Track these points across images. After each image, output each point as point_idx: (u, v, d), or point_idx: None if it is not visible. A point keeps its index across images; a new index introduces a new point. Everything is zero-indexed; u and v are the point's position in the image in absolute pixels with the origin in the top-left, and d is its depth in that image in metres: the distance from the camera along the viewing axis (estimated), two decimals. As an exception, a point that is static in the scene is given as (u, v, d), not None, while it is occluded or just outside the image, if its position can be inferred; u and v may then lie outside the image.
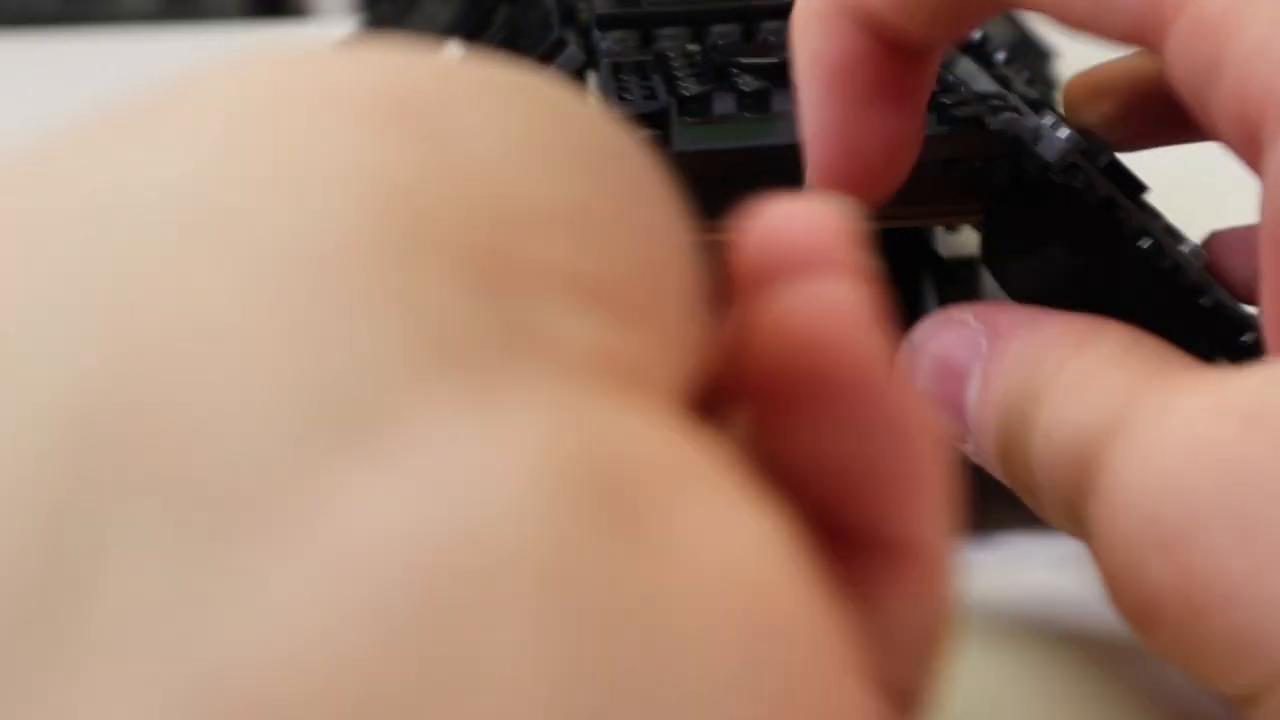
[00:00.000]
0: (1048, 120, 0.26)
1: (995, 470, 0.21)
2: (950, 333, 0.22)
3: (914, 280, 0.25)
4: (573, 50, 0.32)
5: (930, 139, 0.23)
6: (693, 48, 0.32)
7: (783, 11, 0.32)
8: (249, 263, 0.10)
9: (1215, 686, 0.17)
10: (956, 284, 0.26)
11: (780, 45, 0.30)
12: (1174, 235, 0.26)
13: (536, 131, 0.12)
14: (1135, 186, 0.25)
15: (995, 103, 0.26)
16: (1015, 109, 0.26)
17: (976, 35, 0.34)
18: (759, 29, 0.32)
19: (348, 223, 0.10)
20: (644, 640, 0.09)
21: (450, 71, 0.12)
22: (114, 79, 0.28)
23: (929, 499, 0.14)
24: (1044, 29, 0.49)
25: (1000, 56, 0.34)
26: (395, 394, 0.10)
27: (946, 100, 0.24)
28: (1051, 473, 0.19)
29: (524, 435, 0.10)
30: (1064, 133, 0.25)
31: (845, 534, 0.14)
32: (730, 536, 0.10)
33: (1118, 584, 0.17)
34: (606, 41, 0.33)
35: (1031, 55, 0.50)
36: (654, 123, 0.24)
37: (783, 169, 0.23)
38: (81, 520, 0.08)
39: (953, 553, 0.15)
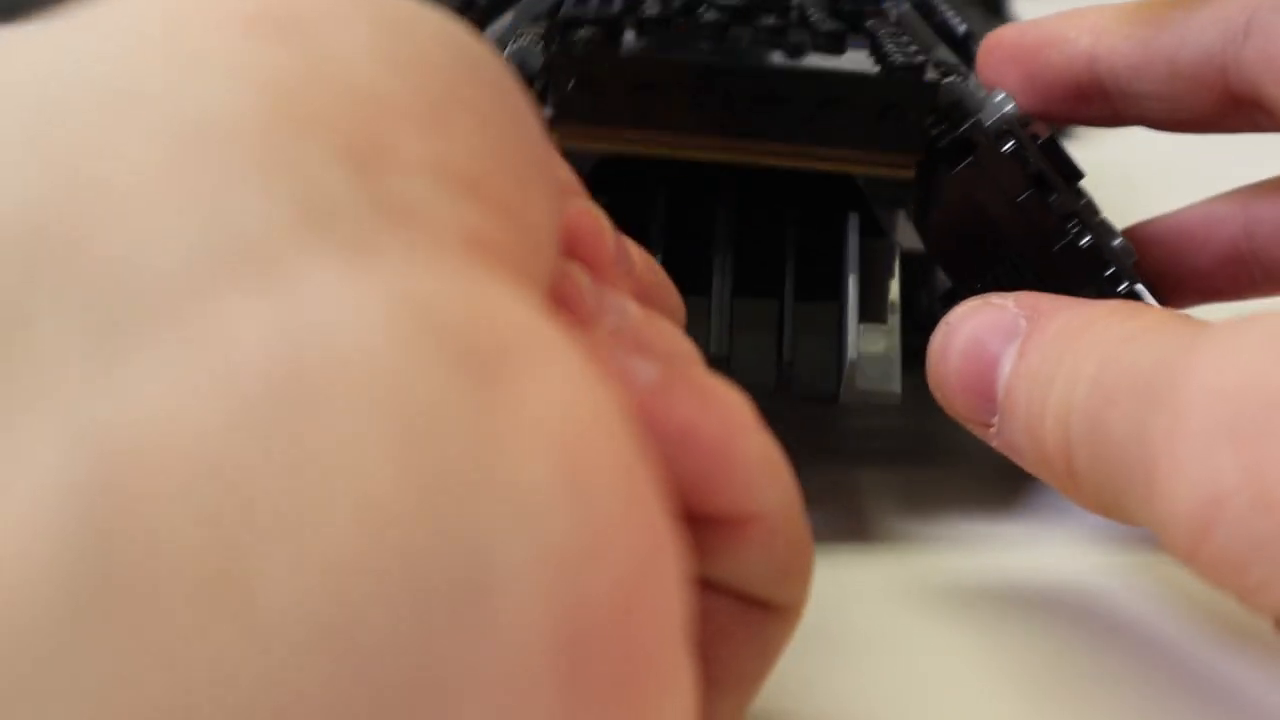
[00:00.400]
0: (998, 95, 0.26)
1: (1019, 450, 0.21)
2: (987, 314, 0.22)
3: (840, 222, 0.25)
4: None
5: (867, 79, 0.23)
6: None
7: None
8: (160, 131, 0.12)
9: (1266, 597, 0.17)
10: (881, 229, 0.26)
11: None
12: (1107, 228, 0.26)
13: (400, 45, 0.14)
14: (1071, 170, 0.25)
15: (947, 67, 0.26)
16: (965, 77, 0.26)
17: (961, 29, 0.34)
18: None
19: (243, 109, 0.13)
20: (470, 461, 0.11)
21: None
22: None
23: (744, 482, 0.16)
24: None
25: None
26: (279, 242, 0.12)
27: (890, 48, 0.24)
28: (1094, 420, 0.19)
29: (391, 286, 0.12)
30: (1009, 106, 0.25)
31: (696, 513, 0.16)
32: (570, 403, 0.12)
33: (1178, 490, 0.17)
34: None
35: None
36: (605, 26, 0.24)
37: (726, 86, 0.24)
38: (23, 301, 0.11)
39: (790, 505, 0.17)
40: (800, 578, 0.17)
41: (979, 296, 0.22)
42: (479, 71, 0.15)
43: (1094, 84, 0.26)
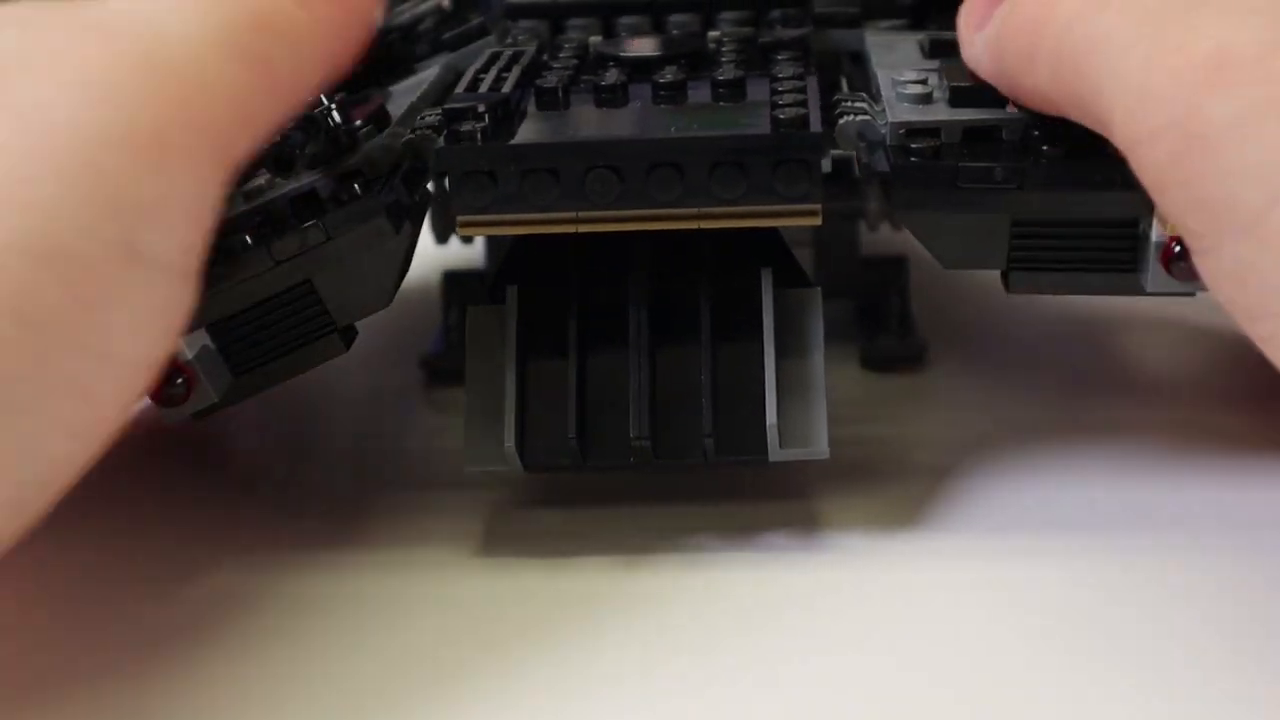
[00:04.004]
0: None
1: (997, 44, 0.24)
2: None
3: (753, 279, 0.25)
4: (488, 39, 0.32)
5: (753, 139, 0.23)
6: (596, 39, 0.31)
7: (691, 6, 0.32)
8: None
9: None
10: (797, 284, 0.25)
11: (686, 38, 0.30)
12: None
13: None
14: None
15: (849, 104, 0.26)
16: (867, 110, 0.25)
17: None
18: (667, 21, 0.32)
19: None
20: None
21: None
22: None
23: None
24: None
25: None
26: None
27: (784, 97, 0.24)
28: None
29: None
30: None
31: None
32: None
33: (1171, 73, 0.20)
34: (516, 30, 0.32)
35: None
36: (493, 110, 0.24)
37: (616, 160, 0.23)
38: None
39: None
40: None
41: None
42: None
43: None
